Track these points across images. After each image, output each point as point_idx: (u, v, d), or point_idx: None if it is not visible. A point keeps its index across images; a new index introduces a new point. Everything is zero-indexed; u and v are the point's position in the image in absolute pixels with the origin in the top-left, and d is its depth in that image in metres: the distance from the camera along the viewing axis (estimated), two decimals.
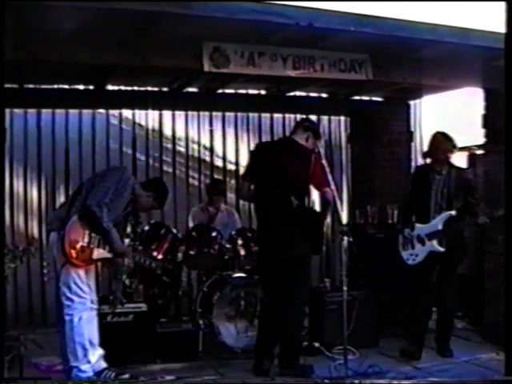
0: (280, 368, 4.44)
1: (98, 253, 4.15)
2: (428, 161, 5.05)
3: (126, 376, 4.29)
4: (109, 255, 4.23)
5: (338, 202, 4.32)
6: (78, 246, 4.05)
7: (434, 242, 4.69)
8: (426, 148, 5.10)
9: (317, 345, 5.07)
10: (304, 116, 6.81)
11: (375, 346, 5.20)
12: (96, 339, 4.23)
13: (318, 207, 4.71)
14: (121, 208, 4.27)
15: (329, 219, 5.05)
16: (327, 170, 4.27)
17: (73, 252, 4.03)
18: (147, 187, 4.51)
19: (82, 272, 4.13)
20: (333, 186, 4.25)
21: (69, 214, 4.10)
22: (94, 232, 4.10)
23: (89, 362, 4.14)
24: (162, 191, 4.61)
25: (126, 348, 4.57)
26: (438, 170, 4.84)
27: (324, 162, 4.30)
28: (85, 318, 4.12)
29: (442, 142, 4.82)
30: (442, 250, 4.67)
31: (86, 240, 4.08)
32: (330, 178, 4.26)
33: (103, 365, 4.24)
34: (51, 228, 4.22)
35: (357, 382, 4.12)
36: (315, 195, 4.48)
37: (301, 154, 4.40)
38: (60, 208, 4.44)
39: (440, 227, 4.68)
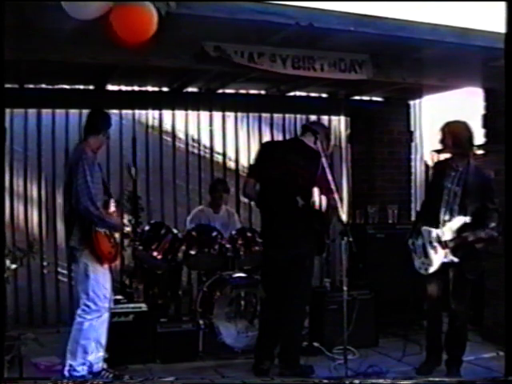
0: (280, 368, 4.45)
1: (117, 236, 4.32)
2: (445, 156, 4.57)
3: (126, 377, 4.29)
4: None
5: (339, 204, 4.32)
6: (110, 248, 4.15)
7: (448, 251, 4.25)
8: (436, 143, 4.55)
9: (317, 345, 5.07)
10: (304, 116, 6.92)
11: (375, 346, 5.21)
12: (104, 341, 4.23)
13: (318, 207, 4.70)
14: (100, 183, 4.21)
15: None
16: (328, 171, 4.28)
17: (111, 253, 4.16)
18: (97, 130, 4.30)
19: (101, 278, 4.15)
20: (333, 186, 4.26)
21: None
22: (98, 225, 4.08)
23: (84, 363, 4.13)
24: (108, 121, 4.44)
25: (126, 348, 4.57)
26: (454, 165, 4.34)
27: (325, 162, 4.31)
28: (95, 325, 4.14)
29: (462, 131, 4.35)
30: (456, 260, 4.23)
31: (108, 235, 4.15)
32: (330, 178, 4.27)
33: (102, 366, 4.25)
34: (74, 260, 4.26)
35: (357, 382, 4.12)
36: (316, 196, 4.47)
37: (309, 156, 4.41)
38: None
39: (454, 235, 4.22)
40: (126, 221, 4.51)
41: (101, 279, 4.15)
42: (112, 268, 4.40)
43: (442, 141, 4.45)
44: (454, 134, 4.37)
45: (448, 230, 4.28)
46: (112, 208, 4.27)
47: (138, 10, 3.35)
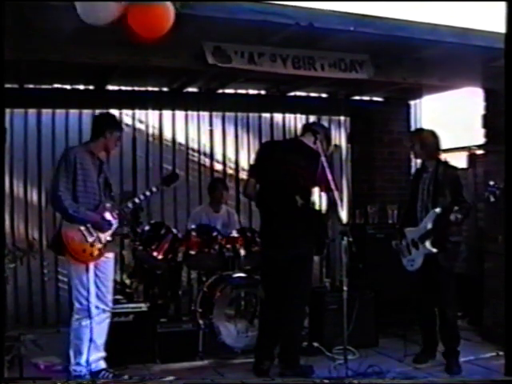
0: (280, 368, 4.44)
1: (104, 236, 4.16)
2: (419, 161, 4.96)
3: (125, 377, 4.29)
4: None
5: (339, 204, 4.32)
6: (86, 246, 4.07)
7: (427, 244, 4.51)
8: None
9: (317, 345, 5.07)
10: (304, 116, 6.91)
11: (375, 346, 5.21)
12: (100, 341, 4.21)
13: (317, 208, 4.71)
14: (91, 182, 4.17)
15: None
16: (328, 171, 4.27)
17: (86, 251, 4.07)
18: (96, 133, 4.27)
19: (84, 277, 4.10)
20: (333, 186, 4.26)
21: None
22: (66, 220, 4.06)
23: (79, 364, 4.14)
24: (108, 122, 4.38)
25: (126, 348, 4.56)
26: (425, 168, 4.74)
27: (325, 162, 4.30)
28: (84, 324, 4.12)
29: (426, 139, 4.72)
30: (434, 251, 4.49)
31: (84, 233, 4.08)
32: (330, 179, 4.26)
33: (102, 365, 4.24)
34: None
35: (357, 382, 4.12)
36: (316, 196, 4.47)
37: (308, 155, 4.40)
38: None
39: (429, 227, 4.50)
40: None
41: (84, 278, 4.10)
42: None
43: (412, 147, 4.85)
44: (422, 141, 4.75)
45: (424, 224, 4.57)
46: (107, 212, 4.18)
47: (154, 6, 3.40)
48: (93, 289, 4.14)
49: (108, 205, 4.23)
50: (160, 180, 4.73)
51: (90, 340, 4.14)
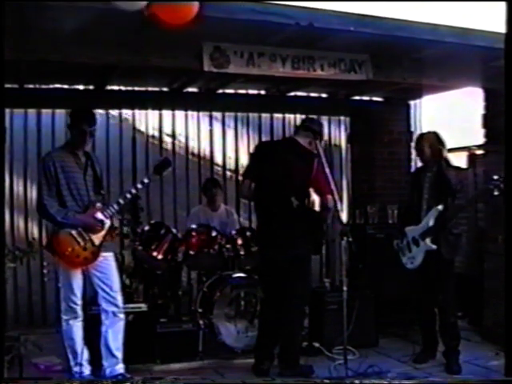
0: (280, 368, 4.44)
1: (97, 237, 4.09)
2: (421, 162, 5.00)
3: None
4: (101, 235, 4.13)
5: (339, 204, 4.31)
6: (80, 250, 4.03)
7: (428, 241, 4.55)
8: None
9: (317, 345, 5.07)
10: (304, 116, 6.89)
11: (375, 346, 5.21)
12: (115, 345, 4.18)
13: (317, 207, 4.70)
14: (76, 184, 4.09)
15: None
16: (327, 170, 4.26)
17: (80, 256, 4.02)
18: (70, 130, 4.18)
19: (72, 278, 4.08)
20: (333, 186, 4.25)
21: None
22: (57, 226, 4.04)
23: (77, 364, 4.12)
24: (77, 118, 4.17)
25: (125, 348, 4.55)
26: (429, 168, 4.77)
27: (325, 163, 4.29)
28: (72, 323, 4.12)
29: (432, 141, 4.75)
30: (434, 247, 4.53)
31: (75, 237, 4.04)
32: (330, 178, 4.25)
33: (118, 371, 4.20)
34: None
35: (357, 382, 4.12)
36: (313, 196, 4.47)
37: (303, 156, 4.39)
38: None
39: (431, 224, 4.54)
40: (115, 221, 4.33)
41: (72, 279, 4.08)
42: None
43: (418, 151, 4.88)
44: (428, 144, 4.77)
45: (426, 221, 4.60)
46: (98, 211, 4.08)
47: None
48: (79, 292, 4.12)
49: (99, 204, 4.13)
50: (152, 169, 4.29)
51: (86, 339, 4.16)
